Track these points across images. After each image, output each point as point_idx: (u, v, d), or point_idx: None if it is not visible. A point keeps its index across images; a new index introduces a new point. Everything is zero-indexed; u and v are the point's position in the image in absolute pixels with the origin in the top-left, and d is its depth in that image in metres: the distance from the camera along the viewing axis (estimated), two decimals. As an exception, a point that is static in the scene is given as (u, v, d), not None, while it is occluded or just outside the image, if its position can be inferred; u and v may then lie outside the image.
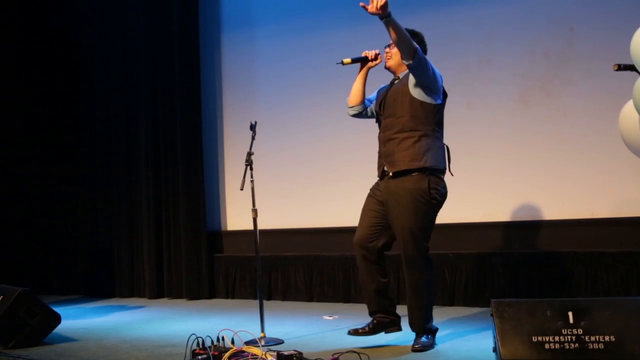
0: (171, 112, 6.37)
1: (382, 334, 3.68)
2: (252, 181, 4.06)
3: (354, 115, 3.83)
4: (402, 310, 3.71)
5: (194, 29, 6.33)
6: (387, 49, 3.68)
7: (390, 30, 3.31)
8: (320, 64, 5.84)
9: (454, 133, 5.21)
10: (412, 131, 3.49)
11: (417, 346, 3.50)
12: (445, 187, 3.57)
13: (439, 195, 3.51)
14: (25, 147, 7.12)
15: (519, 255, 4.92)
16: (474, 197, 5.15)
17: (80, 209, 6.96)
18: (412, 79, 3.52)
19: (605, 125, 4.65)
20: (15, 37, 7.10)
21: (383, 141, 3.60)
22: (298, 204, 5.91)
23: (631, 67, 2.97)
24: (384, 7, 3.22)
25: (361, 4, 3.28)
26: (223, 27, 6.48)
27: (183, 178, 6.26)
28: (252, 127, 4.13)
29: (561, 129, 4.91)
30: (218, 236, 6.38)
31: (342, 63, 3.69)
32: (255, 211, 4.07)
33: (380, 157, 3.64)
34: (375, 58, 3.72)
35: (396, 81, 3.68)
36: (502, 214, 5.06)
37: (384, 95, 3.68)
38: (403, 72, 3.64)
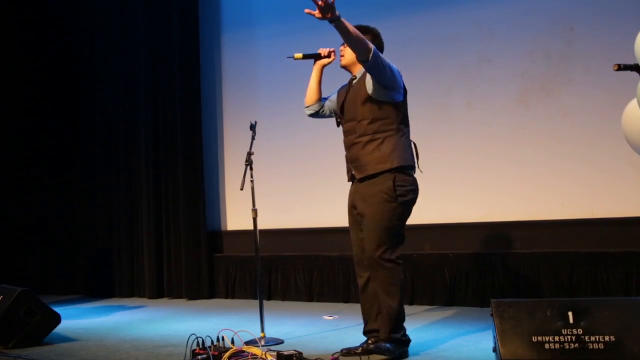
0: (171, 112, 6.37)
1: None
2: (252, 181, 4.06)
3: (311, 115, 3.73)
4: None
5: (194, 28, 6.33)
6: (342, 47, 3.49)
7: (341, 32, 3.16)
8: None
9: (454, 133, 5.26)
10: (375, 133, 3.36)
11: (371, 346, 3.34)
12: (414, 184, 3.39)
13: (406, 192, 3.34)
14: (25, 147, 7.11)
15: (519, 255, 4.92)
16: (474, 197, 5.15)
17: (80, 209, 6.96)
18: (369, 79, 3.35)
19: (605, 125, 4.65)
20: (14, 37, 7.10)
21: (347, 146, 3.49)
22: (298, 204, 5.91)
23: (631, 67, 2.96)
24: (331, 9, 3.05)
25: (306, 10, 3.13)
26: (223, 27, 6.49)
27: (183, 178, 6.26)
28: (252, 127, 4.13)
29: (561, 129, 4.91)
30: (218, 236, 6.38)
31: (294, 57, 3.55)
32: (255, 211, 4.07)
33: (346, 162, 3.53)
34: (329, 55, 3.60)
35: (354, 81, 3.52)
36: (502, 214, 5.06)
37: (343, 98, 3.54)
38: (359, 70, 3.46)
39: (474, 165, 5.17)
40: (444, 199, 5.23)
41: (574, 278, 4.67)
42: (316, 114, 3.74)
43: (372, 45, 3.22)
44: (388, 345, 3.32)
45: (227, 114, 6.43)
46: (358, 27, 3.32)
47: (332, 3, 3.05)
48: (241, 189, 3.91)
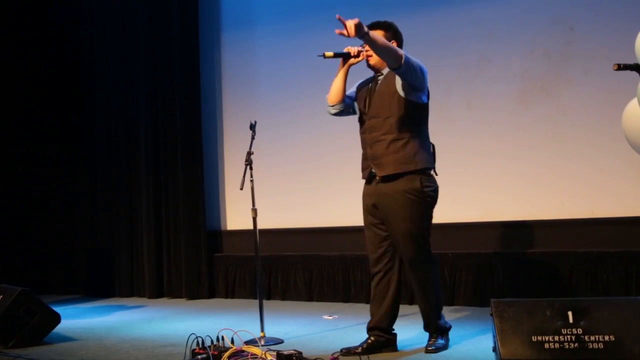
0: (171, 112, 6.37)
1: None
2: (251, 181, 4.06)
3: (335, 114, 3.69)
4: (404, 310, 3.69)
5: (194, 28, 6.33)
6: (367, 46, 3.45)
7: (371, 46, 3.25)
8: (320, 63, 5.76)
9: (454, 133, 5.25)
10: (401, 132, 3.38)
11: (431, 348, 3.47)
12: (436, 184, 3.49)
13: (432, 192, 3.44)
14: (25, 147, 7.11)
15: (519, 255, 4.92)
16: (474, 197, 5.15)
17: (80, 208, 6.95)
18: (399, 79, 3.39)
19: (605, 125, 4.65)
20: (14, 37, 7.09)
21: (369, 143, 3.47)
22: (298, 204, 5.91)
23: (631, 67, 2.96)
24: (359, 28, 3.14)
25: (337, 31, 3.20)
26: (223, 26, 6.48)
27: (183, 178, 6.26)
28: (252, 127, 4.13)
29: (561, 129, 4.91)
30: (218, 236, 6.38)
31: (324, 56, 3.52)
32: (255, 211, 4.07)
33: (365, 159, 3.51)
34: (358, 55, 3.51)
35: (379, 77, 3.52)
36: (502, 214, 5.06)
37: (367, 94, 3.54)
38: (386, 68, 3.47)
39: (474, 165, 5.17)
40: (444, 199, 5.15)
41: (574, 278, 4.67)
42: (339, 113, 3.68)
43: (401, 52, 3.28)
44: (439, 340, 3.50)
45: (227, 113, 6.43)
46: (377, 24, 3.47)
47: (359, 23, 3.14)
48: (241, 189, 3.92)
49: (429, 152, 3.48)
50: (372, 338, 3.50)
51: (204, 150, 6.29)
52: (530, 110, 5.02)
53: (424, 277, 3.47)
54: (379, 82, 3.52)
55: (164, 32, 6.44)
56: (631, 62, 2.97)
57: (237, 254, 6.17)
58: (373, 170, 3.46)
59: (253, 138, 4.10)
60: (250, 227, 4.10)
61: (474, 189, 5.16)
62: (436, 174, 3.53)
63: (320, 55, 3.52)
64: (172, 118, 6.37)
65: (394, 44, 3.40)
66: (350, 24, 3.14)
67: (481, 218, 5.13)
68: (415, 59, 3.37)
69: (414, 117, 3.42)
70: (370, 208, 3.51)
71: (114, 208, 6.66)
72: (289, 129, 6.01)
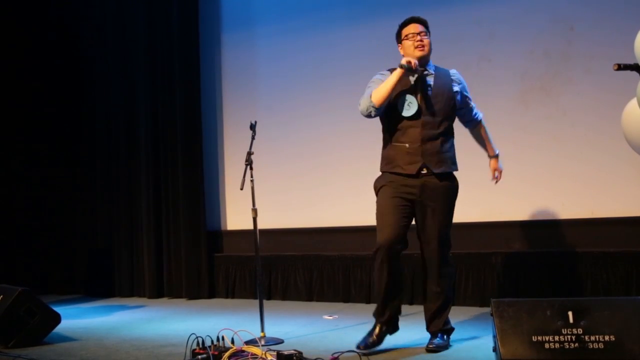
0: (171, 112, 6.37)
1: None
2: (252, 181, 4.06)
3: (370, 115, 3.56)
4: (404, 309, 3.69)
5: (194, 28, 6.33)
6: (416, 37, 3.51)
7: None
8: (320, 63, 5.85)
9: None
10: (450, 134, 3.61)
11: (431, 346, 3.48)
12: None
13: None
14: (25, 148, 7.11)
15: (519, 255, 4.92)
16: (474, 197, 5.14)
17: (80, 208, 6.95)
18: (455, 84, 3.60)
19: (605, 125, 4.65)
20: (14, 37, 7.09)
21: (423, 139, 3.46)
22: (298, 204, 5.91)
23: (631, 67, 2.96)
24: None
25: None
26: (223, 26, 6.48)
27: (183, 178, 6.26)
28: (252, 127, 4.13)
29: (561, 129, 4.91)
30: (218, 236, 6.38)
31: (407, 68, 3.42)
32: (255, 211, 4.07)
33: (412, 154, 3.47)
34: (416, 70, 3.47)
35: (426, 73, 3.53)
36: (502, 213, 5.05)
37: (419, 88, 3.49)
38: (430, 64, 3.58)
39: (474, 165, 5.14)
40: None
41: (574, 278, 4.66)
42: (376, 115, 3.57)
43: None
44: (439, 339, 3.54)
45: (227, 113, 6.43)
46: (418, 20, 3.65)
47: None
48: (241, 189, 3.92)
49: None
50: (380, 328, 3.55)
51: (204, 150, 6.29)
52: (530, 110, 5.02)
53: (448, 274, 3.57)
54: (428, 79, 3.55)
55: (164, 32, 6.44)
56: (631, 62, 2.97)
57: (237, 254, 6.17)
58: (426, 164, 3.48)
59: (253, 138, 4.10)
60: (251, 227, 4.10)
61: (474, 189, 5.14)
62: None
63: (406, 68, 3.43)
64: (172, 118, 6.36)
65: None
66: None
67: (481, 218, 5.13)
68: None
69: (453, 121, 3.67)
70: (404, 195, 3.48)
71: (114, 208, 6.66)
72: (289, 129, 6.01)
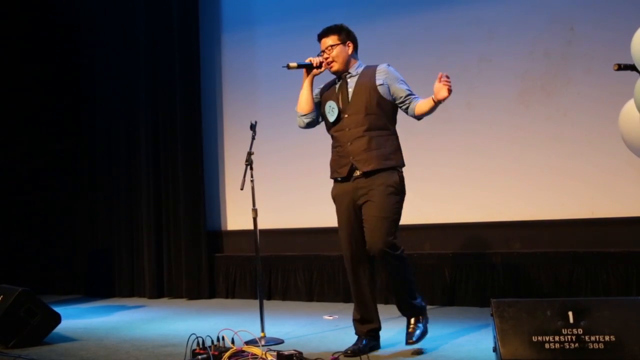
0: (171, 112, 6.37)
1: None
2: (252, 181, 4.06)
3: (306, 125, 3.71)
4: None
5: (194, 28, 6.34)
6: (325, 54, 3.59)
7: (434, 109, 3.43)
8: (320, 64, 5.83)
9: (454, 132, 5.25)
10: (382, 129, 3.47)
11: (411, 340, 3.46)
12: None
13: (404, 187, 3.52)
14: (26, 147, 7.11)
15: (519, 255, 4.92)
16: (474, 197, 5.15)
17: (81, 208, 6.96)
18: (379, 78, 3.49)
19: (605, 125, 4.64)
20: (14, 37, 7.09)
21: (349, 139, 3.48)
22: (298, 204, 5.91)
23: (631, 67, 2.96)
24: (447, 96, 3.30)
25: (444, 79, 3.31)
26: (223, 26, 6.48)
27: (183, 178, 6.26)
28: (252, 127, 4.14)
29: (561, 129, 4.91)
30: (218, 236, 6.38)
31: (288, 67, 3.62)
32: (255, 211, 4.07)
33: (343, 157, 3.51)
34: (320, 66, 3.60)
35: (349, 77, 3.58)
36: (502, 214, 5.05)
37: (339, 93, 3.57)
38: (354, 66, 3.58)
39: (474, 165, 5.17)
40: (444, 199, 5.23)
41: (574, 278, 4.66)
42: (310, 123, 3.72)
43: None
44: (417, 331, 3.47)
45: (227, 113, 6.43)
46: (329, 30, 3.61)
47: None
48: (241, 189, 3.92)
49: (401, 151, 3.56)
50: (366, 340, 3.56)
51: (204, 150, 6.29)
52: (531, 110, 5.02)
53: (396, 264, 3.43)
54: (350, 80, 3.58)
55: (164, 32, 6.44)
56: (631, 62, 2.97)
57: (237, 254, 6.17)
58: (354, 164, 3.47)
59: (253, 138, 4.10)
60: (251, 227, 4.10)
61: (473, 189, 5.15)
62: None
63: (285, 66, 3.64)
64: (172, 118, 6.37)
65: (349, 46, 3.58)
66: (447, 92, 3.30)
67: (481, 218, 5.13)
68: (399, 74, 3.56)
69: (389, 114, 3.52)
70: (348, 204, 3.52)
71: (115, 208, 6.66)
72: (289, 129, 5.98)
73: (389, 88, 3.49)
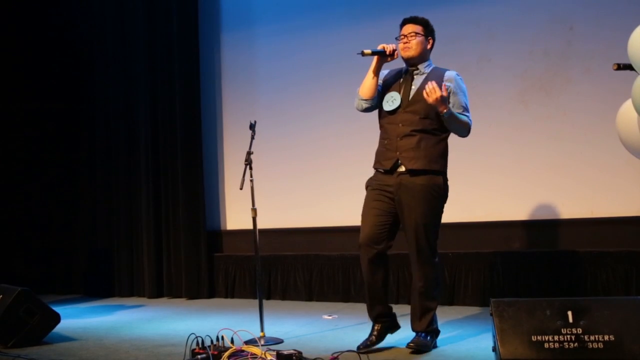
0: (171, 112, 6.37)
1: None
2: (251, 180, 4.06)
3: (365, 109, 3.64)
4: (400, 309, 3.70)
5: (193, 28, 6.33)
6: (404, 39, 3.56)
7: (451, 122, 3.45)
8: (320, 63, 5.84)
9: (445, 134, 5.24)
10: (434, 133, 3.49)
11: (412, 344, 3.46)
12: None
13: (447, 193, 3.56)
14: (25, 147, 7.11)
15: (519, 255, 4.92)
16: (474, 197, 5.15)
17: (80, 208, 6.95)
18: (446, 83, 3.48)
19: (605, 124, 4.64)
20: (14, 36, 7.09)
21: (399, 135, 3.48)
22: (298, 204, 5.91)
23: (630, 67, 2.96)
24: (443, 101, 3.33)
25: (424, 93, 3.35)
26: (223, 26, 6.48)
27: (183, 178, 6.26)
28: (252, 127, 4.13)
29: (561, 128, 4.91)
30: (218, 236, 6.37)
31: (362, 54, 3.54)
32: (254, 210, 4.07)
33: (390, 150, 3.51)
34: (392, 54, 3.55)
35: (416, 73, 3.58)
36: (502, 213, 5.06)
37: (403, 87, 3.56)
38: (424, 65, 3.59)
39: (474, 164, 5.16)
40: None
41: (574, 278, 4.66)
42: (370, 108, 3.65)
43: (470, 123, 3.57)
44: (422, 338, 3.50)
45: (227, 113, 6.43)
46: (414, 20, 3.62)
47: (443, 98, 3.34)
48: (241, 189, 3.92)
49: (446, 156, 3.58)
50: (379, 325, 3.58)
51: (204, 150, 6.29)
52: (530, 110, 5.02)
53: (430, 273, 3.50)
54: (416, 77, 3.58)
55: (164, 32, 6.44)
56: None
57: (237, 253, 6.17)
58: (400, 160, 3.48)
59: (253, 138, 4.10)
60: (250, 227, 4.10)
61: (473, 189, 5.15)
62: None
63: (359, 53, 3.57)
64: (172, 118, 6.36)
65: (430, 42, 3.62)
66: (436, 95, 3.31)
67: (481, 218, 5.13)
68: (467, 92, 3.62)
69: (442, 122, 3.51)
70: (385, 193, 3.51)
71: (114, 208, 6.66)
72: (289, 129, 6.01)
73: (449, 96, 3.49)
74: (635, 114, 3.01)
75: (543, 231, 4.93)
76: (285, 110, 6.03)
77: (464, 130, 3.54)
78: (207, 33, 6.46)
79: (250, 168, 4.03)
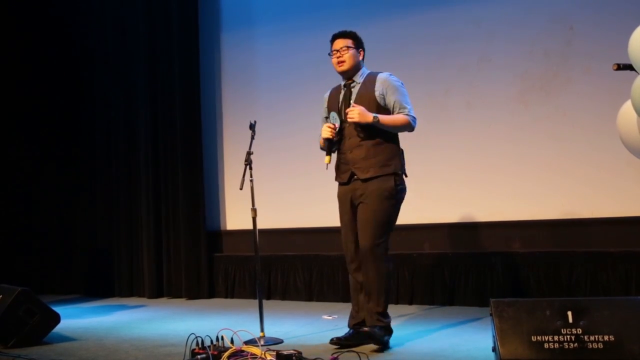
0: (171, 112, 6.37)
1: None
2: (251, 181, 4.05)
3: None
4: (403, 309, 3.69)
5: (193, 28, 6.34)
6: (337, 54, 3.69)
7: (385, 128, 3.56)
8: (319, 63, 5.81)
9: (454, 132, 5.25)
10: (380, 137, 3.59)
11: (364, 330, 3.54)
12: (405, 185, 3.67)
13: (401, 192, 3.63)
14: (25, 147, 7.12)
15: (519, 255, 4.92)
16: (474, 197, 5.15)
17: (80, 208, 6.96)
18: (378, 87, 3.61)
19: (605, 125, 4.64)
20: (14, 36, 7.09)
21: (348, 148, 3.65)
22: (298, 204, 5.91)
23: (630, 67, 2.96)
24: (364, 116, 3.48)
25: (348, 117, 3.54)
26: (223, 26, 6.49)
27: (183, 178, 6.26)
28: (252, 127, 4.13)
29: (561, 128, 4.90)
30: (217, 236, 6.38)
31: (327, 167, 3.73)
32: (254, 211, 4.07)
33: (345, 164, 3.68)
34: (336, 130, 3.67)
35: (353, 85, 3.72)
36: (502, 213, 5.05)
37: (342, 102, 3.71)
38: (359, 75, 3.71)
39: (474, 165, 5.17)
40: (443, 198, 5.23)
41: (574, 278, 4.66)
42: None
43: (408, 118, 3.59)
44: (380, 330, 3.52)
45: (227, 113, 6.43)
46: (343, 34, 3.70)
47: (362, 112, 3.49)
48: (241, 189, 3.92)
49: (401, 156, 3.67)
50: (355, 330, 3.64)
51: (203, 150, 6.29)
52: (530, 110, 5.02)
53: (378, 269, 3.54)
54: (353, 89, 3.71)
55: (164, 32, 6.44)
56: (630, 62, 2.97)
57: (237, 254, 6.17)
58: (354, 172, 3.64)
59: (253, 138, 4.09)
60: (250, 227, 4.10)
61: (473, 189, 5.15)
62: (406, 176, 3.69)
63: (327, 169, 3.75)
64: (172, 118, 6.37)
65: (361, 53, 3.72)
66: (352, 114, 3.50)
67: (481, 218, 5.13)
68: (405, 89, 3.65)
69: None
70: (348, 204, 3.69)
71: (114, 208, 6.66)
72: (289, 129, 6.01)
73: (384, 98, 3.61)
74: (635, 115, 3.01)
75: (543, 231, 4.93)
76: (286, 111, 6.03)
77: (404, 127, 3.61)
78: (207, 33, 6.46)
79: (250, 168, 4.03)
